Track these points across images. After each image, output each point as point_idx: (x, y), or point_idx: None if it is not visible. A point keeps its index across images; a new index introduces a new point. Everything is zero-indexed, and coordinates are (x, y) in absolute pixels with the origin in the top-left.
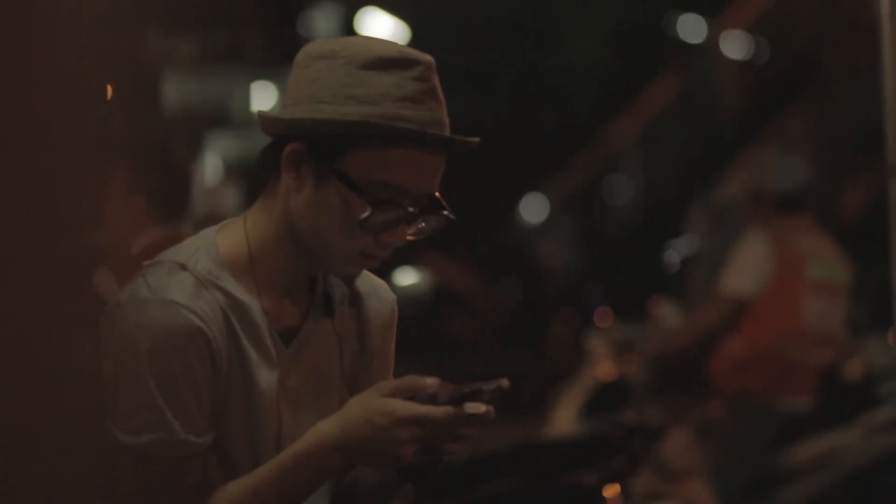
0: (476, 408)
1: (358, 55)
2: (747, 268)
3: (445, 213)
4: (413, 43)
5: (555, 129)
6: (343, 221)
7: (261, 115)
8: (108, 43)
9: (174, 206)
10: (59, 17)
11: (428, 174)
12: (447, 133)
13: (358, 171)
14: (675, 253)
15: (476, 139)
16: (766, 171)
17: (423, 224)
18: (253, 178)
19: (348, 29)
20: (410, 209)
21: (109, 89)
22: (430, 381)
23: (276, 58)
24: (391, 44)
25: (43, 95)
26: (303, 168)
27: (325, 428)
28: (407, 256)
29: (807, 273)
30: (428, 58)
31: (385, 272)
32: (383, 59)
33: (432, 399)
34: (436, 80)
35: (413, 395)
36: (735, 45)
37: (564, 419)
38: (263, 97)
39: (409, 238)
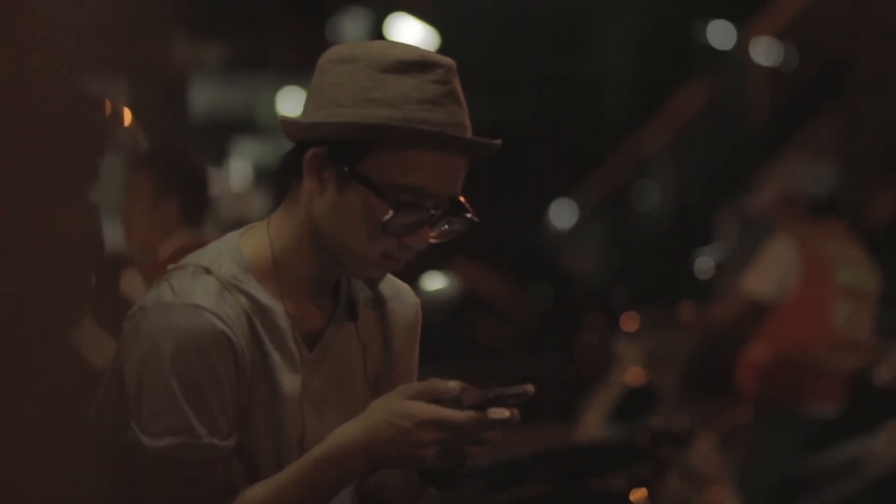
0: (500, 413)
1: (378, 59)
2: (771, 271)
3: (468, 215)
4: (442, 49)
5: (584, 134)
6: (365, 224)
7: (283, 119)
8: (132, 50)
9: (195, 211)
10: (77, 23)
11: (449, 176)
12: (468, 136)
13: (379, 174)
14: (709, 259)
15: (497, 141)
16: (796, 178)
17: (447, 227)
18: (281, 184)
19: (377, 34)
20: (433, 211)
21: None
22: (453, 385)
23: (305, 63)
24: (411, 47)
25: (50, 101)
26: (325, 172)
27: (348, 431)
28: (435, 261)
29: (834, 278)
30: (448, 61)
31: (413, 277)
32: (404, 63)
33: (457, 403)
34: (456, 83)
35: (437, 399)
36: (764, 52)
37: (592, 424)
38: (291, 102)
39: (431, 241)
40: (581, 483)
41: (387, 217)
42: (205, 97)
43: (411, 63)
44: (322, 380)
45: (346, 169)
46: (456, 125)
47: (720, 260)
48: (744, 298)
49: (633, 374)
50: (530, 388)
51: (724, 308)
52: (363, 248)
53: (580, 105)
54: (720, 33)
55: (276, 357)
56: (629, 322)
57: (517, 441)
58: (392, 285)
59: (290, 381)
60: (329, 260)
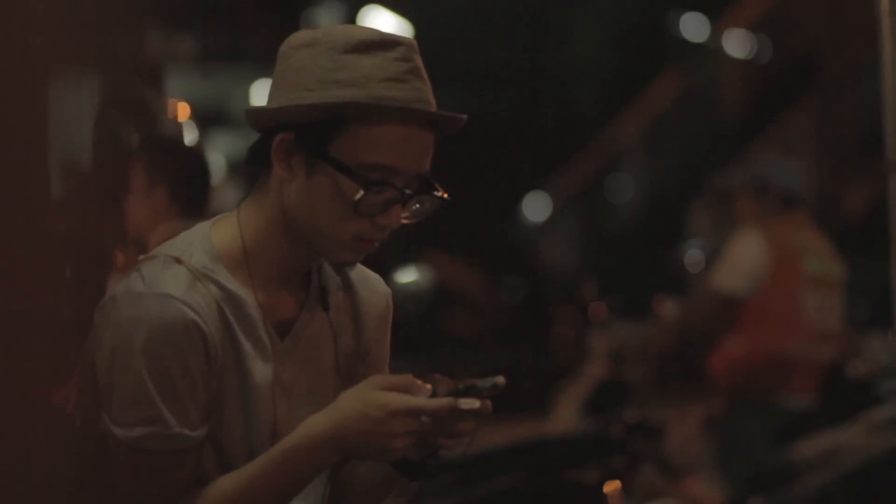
0: (470, 403)
1: (339, 40)
2: (740, 265)
3: (439, 193)
4: (416, 41)
5: (557, 127)
6: (337, 206)
7: (248, 110)
8: (106, 42)
9: (195, 200)
10: (51, 16)
11: (417, 152)
12: (434, 110)
13: (348, 155)
14: (699, 252)
15: (463, 116)
16: (766, 170)
17: (418, 206)
18: (255, 176)
19: None
20: (405, 190)
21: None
22: (428, 387)
23: None
24: (371, 28)
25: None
26: (293, 157)
27: (318, 421)
28: (409, 254)
29: (803, 267)
30: (409, 39)
31: (386, 270)
32: (365, 43)
33: (429, 395)
34: (418, 61)
35: (409, 390)
36: (738, 44)
37: (566, 416)
38: (265, 95)
39: (404, 220)
40: (554, 475)
41: (357, 197)
42: (178, 90)
43: (372, 42)
44: (293, 369)
45: (314, 152)
46: (421, 100)
47: (709, 253)
48: (715, 295)
49: (606, 366)
50: (501, 379)
51: (697, 307)
52: (336, 230)
53: (553, 97)
54: (693, 25)
55: (247, 346)
56: (597, 312)
57: (491, 433)
58: (363, 275)
59: (261, 371)
60: (300, 248)
